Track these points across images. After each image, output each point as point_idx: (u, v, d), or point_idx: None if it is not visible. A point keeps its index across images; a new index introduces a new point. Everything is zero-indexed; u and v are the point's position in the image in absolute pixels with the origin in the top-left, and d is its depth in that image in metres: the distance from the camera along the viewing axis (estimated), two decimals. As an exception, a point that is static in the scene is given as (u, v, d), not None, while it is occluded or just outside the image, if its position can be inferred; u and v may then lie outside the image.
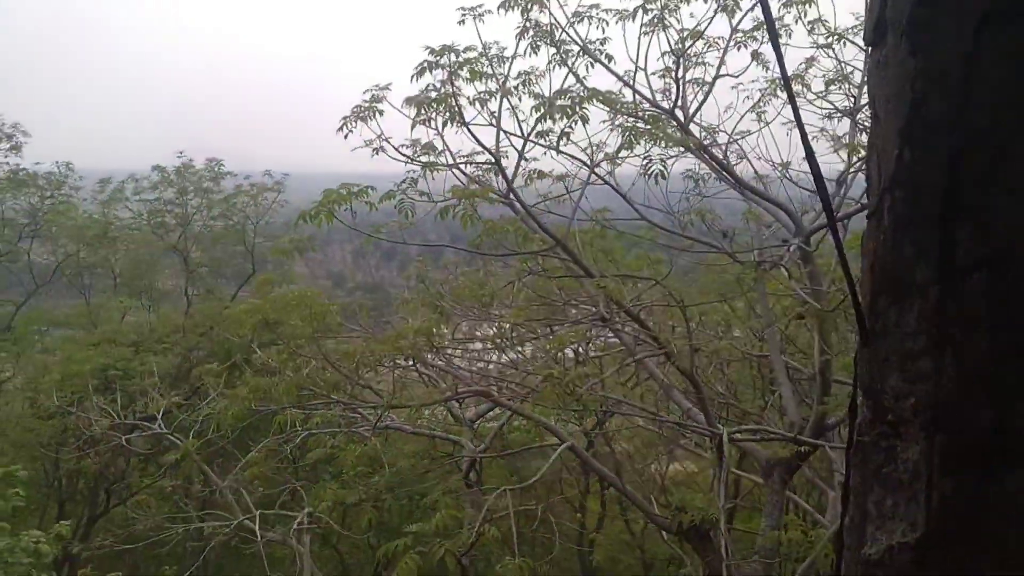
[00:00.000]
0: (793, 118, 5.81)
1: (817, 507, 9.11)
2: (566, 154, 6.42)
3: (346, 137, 6.13)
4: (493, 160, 6.09)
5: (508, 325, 6.79)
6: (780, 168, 7.40)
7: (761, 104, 7.22)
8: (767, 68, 7.09)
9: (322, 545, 13.63)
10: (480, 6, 6.19)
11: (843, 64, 7.24)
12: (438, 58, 5.74)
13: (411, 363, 6.90)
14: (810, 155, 1.48)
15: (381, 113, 6.15)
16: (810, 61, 7.26)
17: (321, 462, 10.81)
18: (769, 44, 6.91)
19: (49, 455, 14.72)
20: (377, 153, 5.92)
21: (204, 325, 15.86)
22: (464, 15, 6.19)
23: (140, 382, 12.29)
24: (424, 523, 6.24)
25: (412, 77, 5.74)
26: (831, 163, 7.21)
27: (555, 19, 6.57)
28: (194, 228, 20.36)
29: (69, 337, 17.75)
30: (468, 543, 6.32)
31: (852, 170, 6.91)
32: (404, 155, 6.06)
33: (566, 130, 5.86)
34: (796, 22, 6.90)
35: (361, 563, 15.70)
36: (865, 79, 6.49)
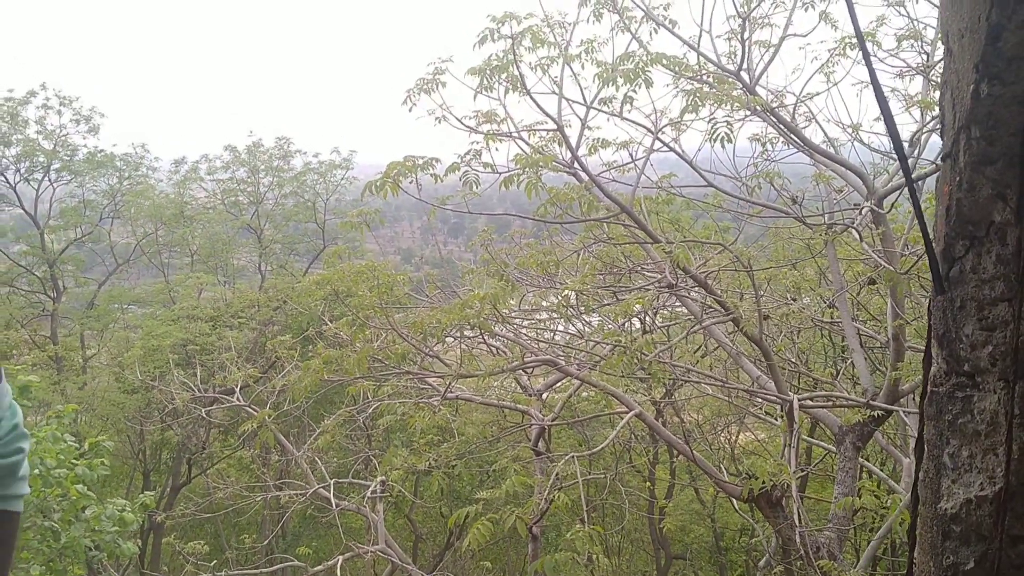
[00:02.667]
0: (867, 77, 5.64)
1: (891, 476, 8.95)
2: (630, 120, 6.37)
3: (410, 110, 6.17)
4: (556, 128, 6.06)
5: (573, 293, 6.78)
6: (850, 130, 7.22)
7: (830, 65, 7.03)
8: (835, 28, 6.90)
9: (395, 514, 13.89)
10: (542, -26, 6.15)
11: (915, 21, 7.01)
12: (499, 26, 5.72)
13: (478, 333, 6.95)
14: (886, 113, 1.44)
15: (444, 85, 6.17)
16: (881, 19, 7.04)
17: (393, 431, 11.00)
18: (837, 3, 6.74)
19: (134, 428, 15.26)
20: (440, 122, 5.94)
21: (277, 300, 16.19)
22: (526, -17, 6.17)
23: (218, 356, 12.63)
24: (494, 491, 6.30)
25: (474, 46, 5.74)
26: (903, 123, 7.01)
27: (617, -16, 6.49)
28: (266, 206, 20.75)
29: (149, 314, 18.31)
30: (539, 511, 6.37)
31: (926, 129, 6.70)
32: (467, 125, 6.08)
33: (629, 95, 5.80)
34: (867, -22, 6.70)
35: (434, 532, 15.98)
36: (938, 35, 6.28)
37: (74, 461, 6.44)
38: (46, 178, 19.18)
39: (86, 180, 19.68)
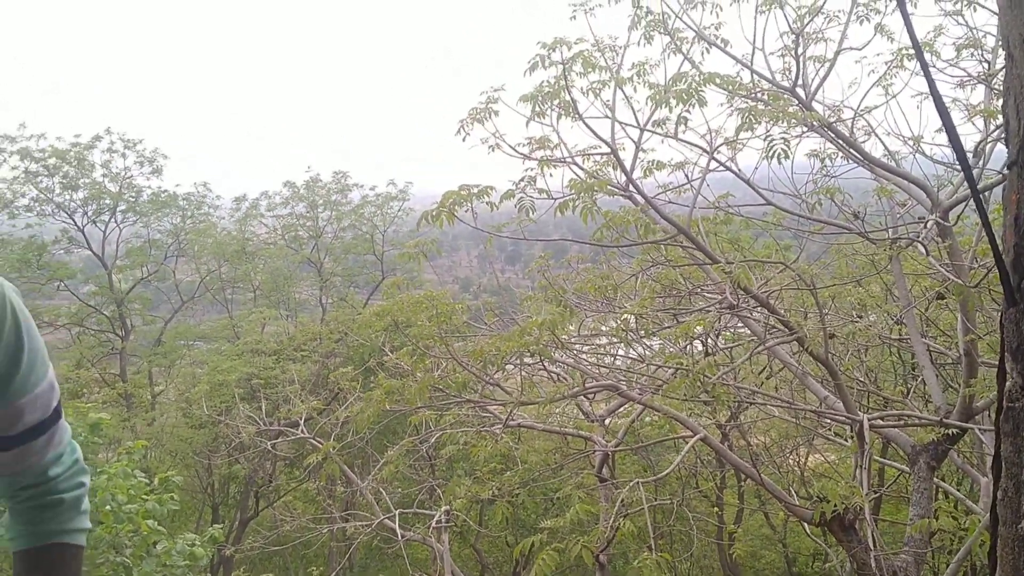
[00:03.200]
0: (927, 88, 5.53)
1: (969, 496, 8.66)
2: (684, 141, 6.32)
3: (464, 139, 6.21)
4: (610, 151, 6.05)
5: (632, 317, 6.72)
6: (911, 142, 7.07)
7: (887, 77, 6.91)
8: (891, 39, 6.78)
9: (461, 543, 13.87)
10: (589, 0, 6.16)
11: (974, 30, 6.86)
12: (550, 52, 5.74)
13: (537, 360, 6.92)
14: (947, 123, 1.40)
15: (497, 113, 6.20)
16: (938, 29, 6.90)
17: (456, 460, 10.99)
18: (892, 15, 6.63)
19: (202, 462, 15.52)
20: (493, 150, 5.97)
21: (339, 332, 16.39)
22: (575, 10, 6.18)
23: (282, 389, 12.80)
24: (559, 519, 6.24)
25: (525, 72, 5.77)
26: (966, 134, 6.85)
27: (668, 6, 6.48)
28: (326, 239, 21.09)
29: (215, 349, 18.68)
30: (605, 539, 6.29)
31: (990, 139, 6.53)
32: (520, 152, 6.09)
33: (683, 115, 5.76)
34: (922, -11, 6.58)
35: (500, 562, 15.90)
36: (999, 42, 6.13)
37: (144, 497, 6.54)
38: (112, 219, 19.75)
39: (151, 220, 20.23)
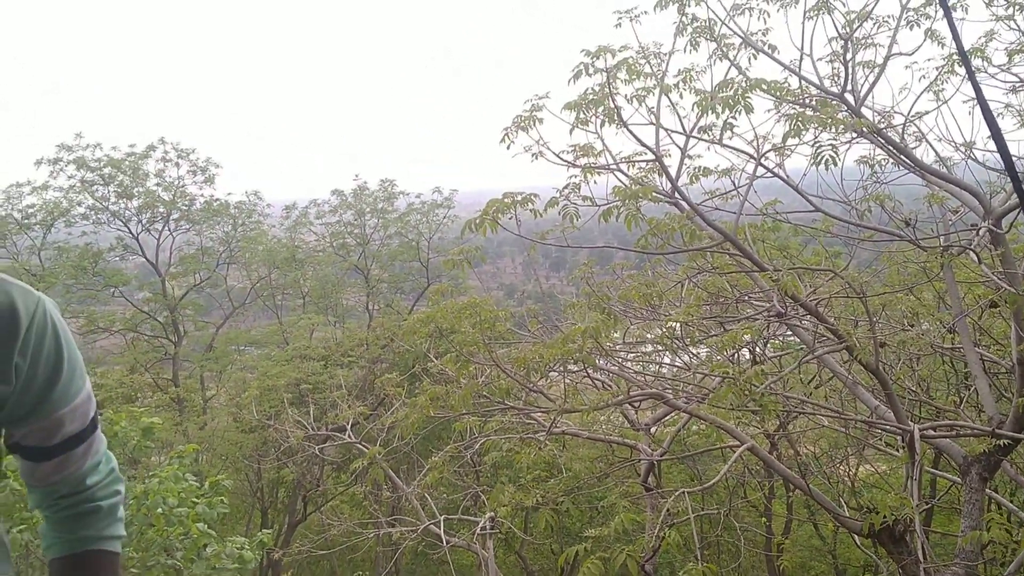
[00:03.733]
0: (974, 95, 5.44)
1: (1022, 507, 8.45)
2: (730, 147, 6.27)
3: (508, 147, 6.23)
4: (655, 158, 6.03)
5: (677, 325, 6.68)
6: (963, 148, 6.94)
7: (938, 83, 6.79)
8: (942, 45, 6.66)
9: (506, 551, 13.87)
10: (635, 8, 6.15)
11: (1027, 33, 6.71)
12: (594, 60, 5.74)
13: (581, 367, 6.91)
14: (994, 129, 1.38)
15: (541, 121, 6.21)
16: (990, 34, 6.77)
17: (500, 467, 11.00)
18: (942, 20, 6.52)
19: (252, 466, 15.73)
20: (536, 158, 5.98)
21: (385, 338, 16.53)
22: (620, 18, 6.17)
23: (330, 394, 12.93)
24: (604, 527, 6.22)
25: (569, 80, 5.77)
26: (1018, 140, 6.70)
27: (714, 13, 6.44)
28: (373, 247, 21.29)
29: (265, 354, 18.94)
30: (650, 548, 6.25)
31: (1046, 144, 6.37)
32: (564, 160, 6.10)
33: (729, 121, 5.72)
34: (974, -6, 6.45)
35: (545, 570, 15.87)
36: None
37: (195, 500, 6.65)
38: (166, 227, 20.13)
39: (203, 228, 20.59)
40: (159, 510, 6.30)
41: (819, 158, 5.54)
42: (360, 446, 9.39)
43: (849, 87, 6.59)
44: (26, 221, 18.74)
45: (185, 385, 19.18)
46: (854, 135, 6.33)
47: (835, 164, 5.44)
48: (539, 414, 7.47)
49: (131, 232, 19.88)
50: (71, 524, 1.56)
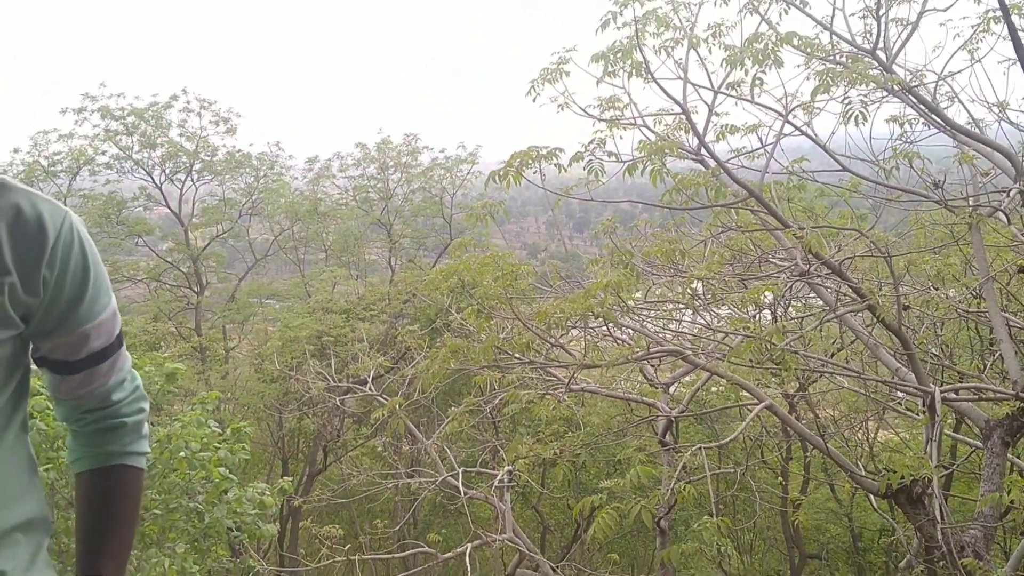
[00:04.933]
0: (1014, 53, 5.31)
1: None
2: (759, 104, 6.19)
3: (534, 100, 6.19)
4: (682, 113, 5.96)
5: (700, 283, 6.64)
6: (997, 109, 6.80)
7: (973, 41, 6.63)
8: (978, 1, 6.51)
9: (523, 504, 14.01)
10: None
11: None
12: (621, 9, 5.66)
13: (602, 323, 6.90)
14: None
15: (567, 74, 6.15)
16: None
17: (518, 422, 11.07)
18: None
19: (273, 416, 15.91)
20: (563, 109, 5.94)
21: (407, 293, 16.57)
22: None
23: (351, 347, 13.03)
24: (619, 480, 6.26)
25: (596, 31, 5.70)
26: (1057, 100, 6.55)
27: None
28: (396, 202, 21.24)
29: (287, 307, 19.07)
30: (666, 503, 6.29)
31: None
32: (590, 114, 6.05)
33: (759, 76, 5.64)
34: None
35: (561, 524, 16.02)
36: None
37: (217, 445, 6.74)
38: (189, 178, 20.16)
39: (226, 179, 20.61)
40: (182, 454, 6.39)
41: (849, 115, 5.46)
42: (380, 398, 9.47)
43: (881, 44, 6.47)
44: (52, 168, 18.84)
45: (207, 335, 19.36)
46: (884, 93, 6.23)
47: (865, 121, 5.35)
48: (559, 370, 7.49)
49: (154, 182, 19.95)
50: (96, 438, 1.59)
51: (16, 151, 18.85)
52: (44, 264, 1.39)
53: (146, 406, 1.64)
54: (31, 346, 1.50)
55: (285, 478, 8.84)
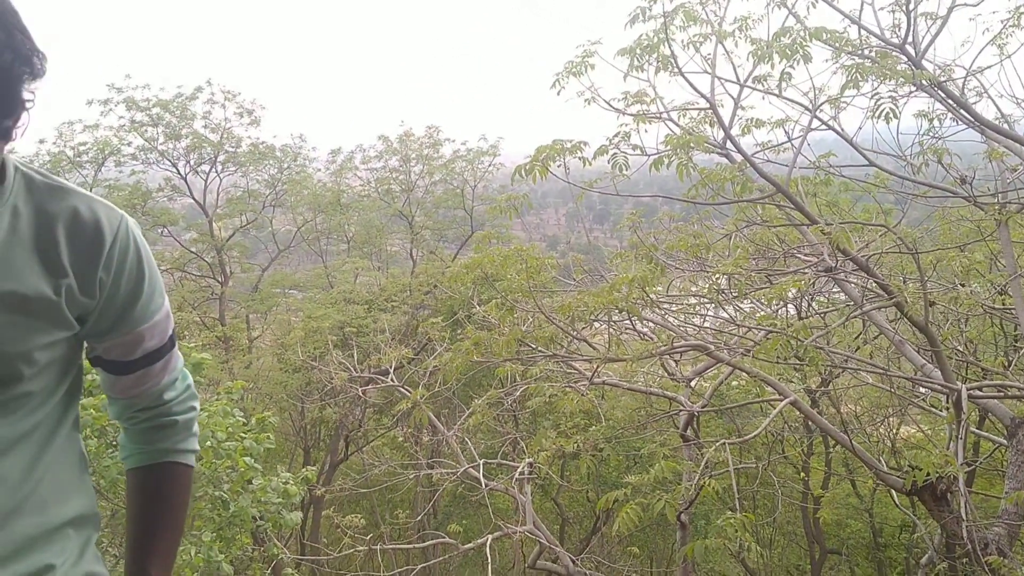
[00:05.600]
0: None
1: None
2: (786, 99, 6.17)
3: (559, 93, 6.18)
4: (708, 107, 5.94)
5: (724, 278, 6.63)
6: (1027, 104, 6.74)
7: (1003, 36, 6.57)
8: (1010, -6, 6.44)
9: (543, 496, 14.04)
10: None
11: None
12: (651, 4, 5.65)
13: (625, 317, 6.91)
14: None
15: (592, 67, 6.14)
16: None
17: (540, 414, 11.09)
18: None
19: (295, 405, 16.01)
20: (589, 104, 5.93)
21: (428, 284, 16.62)
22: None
23: (373, 338, 13.07)
24: (642, 475, 6.27)
25: (625, 26, 5.69)
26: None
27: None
28: (417, 193, 21.26)
29: (309, 297, 19.15)
30: (687, 498, 6.29)
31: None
32: (615, 108, 6.04)
33: (787, 71, 5.61)
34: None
35: (580, 517, 16.06)
36: None
37: (242, 435, 6.79)
38: (213, 169, 20.26)
39: (249, 170, 20.70)
40: (208, 443, 6.44)
41: (878, 111, 5.43)
42: (402, 390, 9.52)
43: (910, 39, 6.42)
44: (78, 159, 18.99)
45: (231, 325, 19.49)
46: (913, 88, 6.18)
47: (895, 117, 5.32)
48: (581, 363, 7.50)
49: (179, 173, 20.07)
50: (148, 436, 1.63)
51: (42, 141, 19.00)
52: (101, 266, 1.42)
53: (196, 405, 1.68)
54: (86, 346, 1.53)
55: (308, 467, 8.90)
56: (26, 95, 1.17)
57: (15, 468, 1.38)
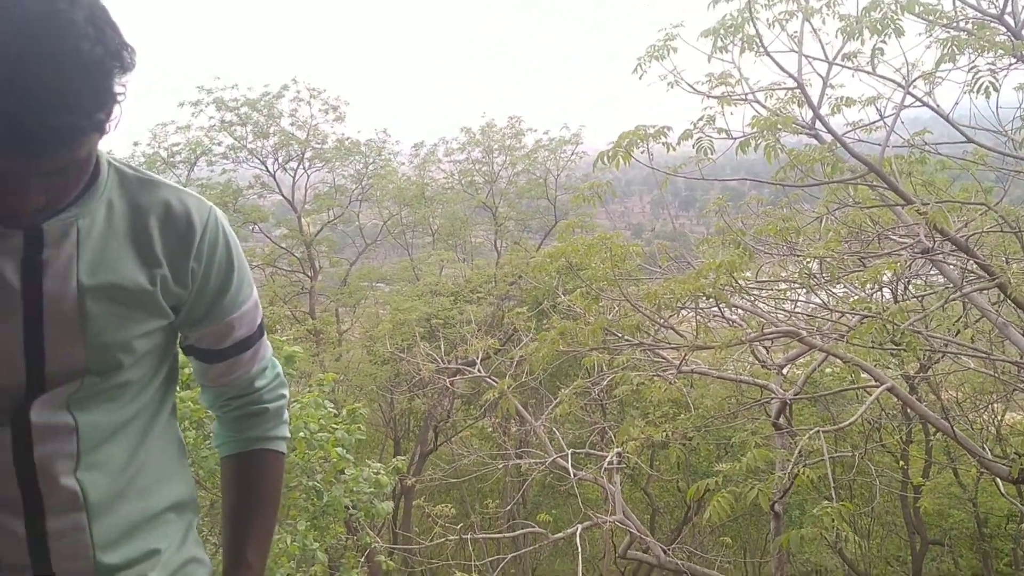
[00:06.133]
0: None
1: None
2: (877, 75, 5.96)
3: (640, 77, 6.12)
4: (796, 86, 5.79)
5: (815, 261, 6.45)
6: None
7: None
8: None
9: (632, 486, 13.93)
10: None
11: None
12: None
13: (713, 304, 6.79)
14: None
15: (675, 50, 6.05)
16: None
17: (627, 404, 11.01)
18: None
19: (384, 396, 16.25)
20: (672, 87, 5.84)
21: (513, 275, 16.65)
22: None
23: (459, 329, 13.18)
24: (734, 464, 6.16)
25: (708, 6, 5.58)
26: None
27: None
28: (500, 184, 21.31)
29: (396, 290, 19.41)
30: (781, 487, 6.16)
31: None
32: (699, 91, 5.93)
33: (878, 46, 5.42)
34: None
35: (671, 506, 15.89)
36: None
37: (334, 426, 6.91)
38: (300, 166, 20.66)
39: (336, 166, 21.03)
40: (301, 434, 6.57)
41: (976, 85, 5.20)
42: (489, 380, 9.56)
43: (1009, 8, 6.13)
44: (171, 159, 19.58)
45: (321, 318, 19.87)
46: (1013, 60, 5.90)
47: (995, 91, 5.09)
48: (669, 351, 7.41)
49: (268, 170, 20.52)
50: (240, 424, 1.66)
51: (136, 144, 19.66)
52: (192, 256, 1.45)
53: (286, 392, 1.71)
54: (179, 336, 1.57)
55: (399, 457, 9.04)
56: (117, 88, 1.19)
57: (119, 454, 1.43)
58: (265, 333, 1.67)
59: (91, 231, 1.36)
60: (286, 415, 1.70)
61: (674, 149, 6.35)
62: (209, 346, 1.58)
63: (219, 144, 19.77)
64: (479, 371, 9.83)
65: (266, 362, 1.67)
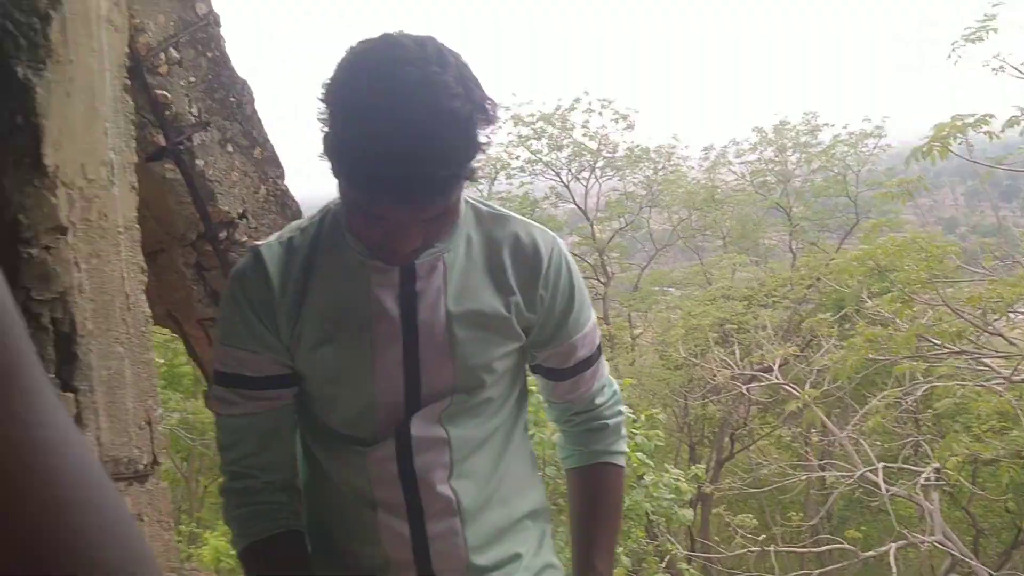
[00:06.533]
0: None
1: None
2: None
3: (955, 63, 5.70)
4: None
5: None
6: None
7: None
8: None
9: (951, 505, 12.85)
10: None
11: None
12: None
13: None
14: None
15: (995, 31, 5.55)
16: None
17: (946, 416, 10.19)
18: None
19: (678, 402, 16.20)
20: (998, 73, 5.36)
21: (810, 277, 15.96)
22: None
23: (754, 334, 12.85)
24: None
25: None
26: None
27: None
28: (795, 184, 20.56)
29: (687, 295, 19.28)
30: None
31: None
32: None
33: None
34: None
35: (997, 528, 14.46)
36: None
37: (633, 431, 7.01)
38: (592, 175, 21.16)
39: (626, 174, 21.31)
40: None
41: None
42: (788, 387, 9.25)
43: None
44: (473, 176, 20.78)
45: (615, 323, 20.18)
46: None
47: None
48: (996, 359, 6.78)
49: (562, 181, 21.19)
50: (583, 439, 1.77)
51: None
52: (540, 284, 1.58)
53: (624, 409, 1.81)
54: (529, 355, 1.71)
55: (697, 465, 8.97)
56: (482, 139, 1.33)
57: (485, 465, 1.59)
58: (603, 353, 1.76)
59: (455, 264, 1.53)
60: (624, 431, 1.80)
61: (998, 138, 5.83)
62: (555, 365, 1.69)
63: (517, 159, 20.70)
64: (777, 378, 9.53)
65: (604, 380, 1.77)
